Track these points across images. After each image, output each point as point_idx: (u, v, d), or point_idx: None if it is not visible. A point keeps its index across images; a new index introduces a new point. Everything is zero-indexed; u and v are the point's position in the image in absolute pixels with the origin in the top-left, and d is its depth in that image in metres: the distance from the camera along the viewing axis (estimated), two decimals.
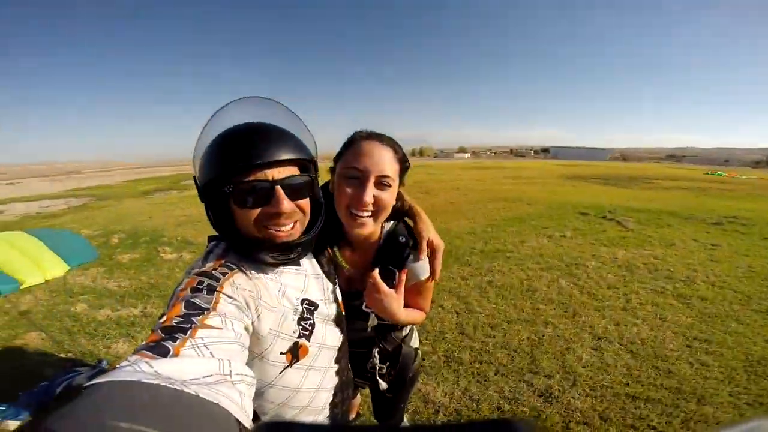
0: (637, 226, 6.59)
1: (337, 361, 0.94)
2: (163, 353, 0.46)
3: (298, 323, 0.81)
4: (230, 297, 0.65)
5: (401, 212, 1.11)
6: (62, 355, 2.91)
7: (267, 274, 0.78)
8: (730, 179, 20.22)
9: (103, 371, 2.55)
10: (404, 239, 1.05)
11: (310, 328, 0.83)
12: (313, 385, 0.87)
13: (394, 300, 0.97)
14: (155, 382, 0.39)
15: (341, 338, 0.96)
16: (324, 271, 0.95)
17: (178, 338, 0.50)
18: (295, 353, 0.80)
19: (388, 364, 1.21)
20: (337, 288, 1.00)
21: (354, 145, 0.94)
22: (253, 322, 0.70)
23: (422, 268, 1.05)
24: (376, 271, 0.95)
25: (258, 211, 0.72)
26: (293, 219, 0.76)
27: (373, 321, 1.11)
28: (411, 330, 1.30)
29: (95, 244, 5.65)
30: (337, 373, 0.95)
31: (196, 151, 0.74)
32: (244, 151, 0.70)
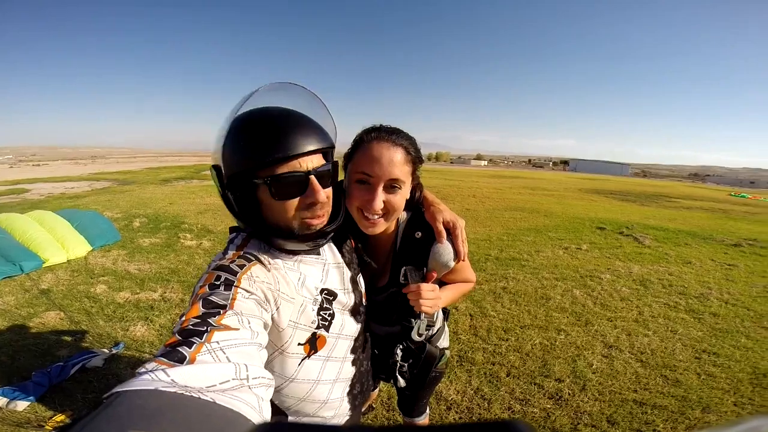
0: (654, 243, 6.59)
1: (354, 351, 0.94)
2: (179, 359, 0.47)
3: (318, 313, 0.81)
4: (248, 291, 0.64)
5: (416, 201, 1.09)
6: (79, 336, 2.97)
7: (286, 264, 0.78)
8: (754, 201, 19.73)
9: (116, 355, 2.66)
10: (420, 234, 1.03)
11: (329, 318, 0.83)
12: (331, 376, 0.87)
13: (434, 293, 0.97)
14: (173, 390, 0.40)
15: (359, 328, 0.94)
16: (345, 261, 0.94)
17: (194, 343, 0.50)
18: (313, 344, 0.81)
19: (410, 361, 1.18)
20: (360, 277, 0.99)
21: (363, 146, 0.93)
22: (272, 315, 0.71)
23: (447, 254, 1.01)
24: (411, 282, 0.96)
25: (296, 201, 0.72)
26: (326, 208, 0.77)
27: (421, 327, 1.09)
28: (441, 329, 1.28)
29: (117, 227, 5.95)
30: (354, 363, 0.94)
31: (223, 140, 0.69)
32: (281, 142, 0.68)
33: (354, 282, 0.95)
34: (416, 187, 1.06)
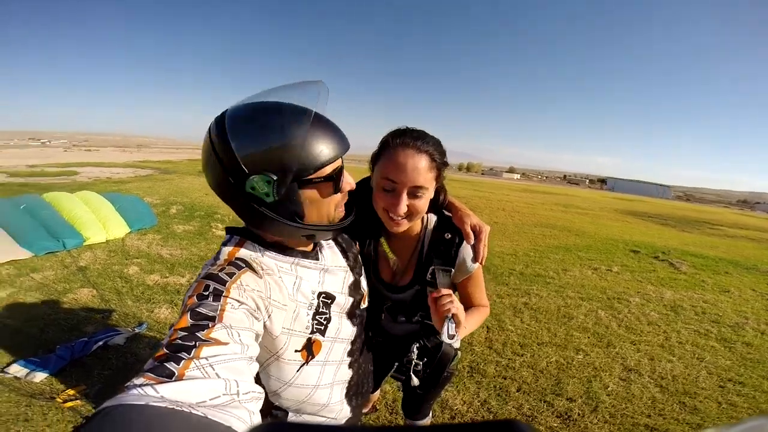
0: (691, 269, 6.27)
1: (351, 354, 0.93)
2: (168, 375, 0.46)
3: (313, 318, 0.80)
4: (238, 301, 0.63)
5: (441, 205, 1.10)
6: (107, 314, 3.09)
7: (282, 268, 0.77)
8: None
9: (136, 335, 2.76)
10: (450, 235, 1.05)
11: (324, 322, 0.82)
12: (329, 380, 0.86)
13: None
14: (164, 405, 0.39)
15: (355, 331, 0.94)
16: (349, 265, 0.94)
17: (182, 359, 0.49)
18: (309, 350, 0.80)
19: (425, 360, 1.18)
20: (363, 280, 1.00)
21: (389, 151, 0.94)
22: (264, 323, 0.69)
23: (470, 256, 1.04)
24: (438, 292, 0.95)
25: (339, 195, 0.77)
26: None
27: (451, 329, 1.10)
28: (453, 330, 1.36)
29: (155, 213, 6.24)
30: (351, 365, 0.93)
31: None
32: (341, 139, 0.72)
33: (355, 286, 0.94)
34: (440, 189, 1.08)
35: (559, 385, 2.62)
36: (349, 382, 0.93)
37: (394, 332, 1.28)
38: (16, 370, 2.27)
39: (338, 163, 0.73)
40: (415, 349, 1.17)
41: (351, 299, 0.91)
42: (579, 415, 2.34)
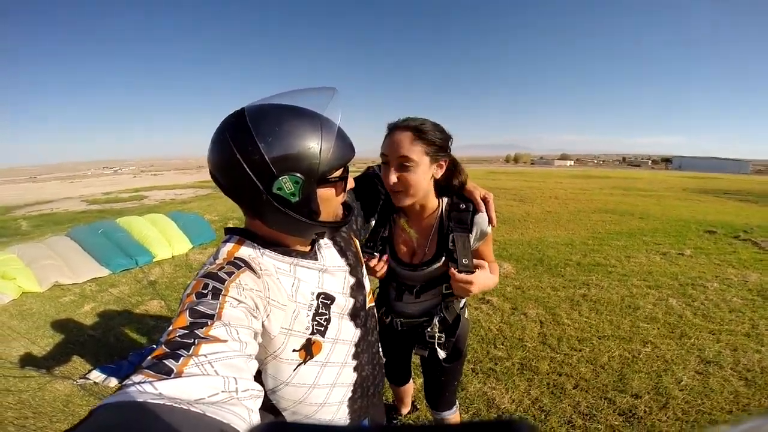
0: None
1: (355, 356, 0.92)
2: (167, 372, 0.46)
3: (313, 319, 0.80)
4: (236, 300, 0.63)
5: (457, 189, 1.23)
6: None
7: (280, 269, 0.78)
8: None
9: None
10: (464, 205, 1.18)
11: (324, 323, 0.83)
12: (329, 381, 0.86)
13: (483, 279, 1.10)
14: (162, 402, 0.39)
15: (358, 333, 0.93)
16: (349, 264, 0.94)
17: (181, 356, 0.49)
18: (308, 350, 0.80)
19: (444, 334, 1.29)
20: (366, 280, 1.02)
21: (386, 134, 1.11)
22: (263, 323, 0.70)
23: (485, 221, 1.17)
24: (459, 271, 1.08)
25: (344, 194, 0.82)
26: None
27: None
28: (465, 303, 1.39)
29: (213, 228, 6.66)
30: (356, 369, 0.92)
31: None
32: (350, 142, 0.77)
33: (357, 286, 0.95)
34: (454, 174, 1.20)
35: (622, 381, 2.43)
36: (354, 385, 0.93)
37: (411, 311, 1.34)
38: (95, 376, 2.53)
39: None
40: (437, 322, 1.27)
41: (353, 300, 0.92)
42: (645, 412, 2.15)
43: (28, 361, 2.82)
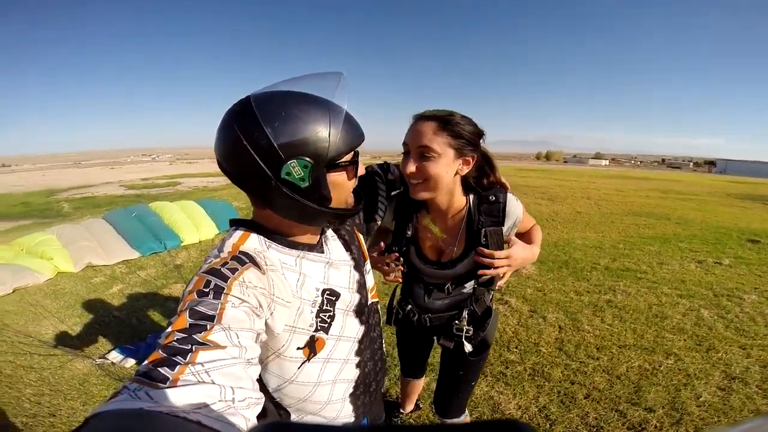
0: None
1: (358, 353, 0.91)
2: (162, 380, 0.45)
3: (317, 315, 0.79)
4: (239, 299, 0.61)
5: (488, 186, 1.18)
6: None
7: (286, 264, 0.76)
8: None
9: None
10: (494, 197, 1.13)
11: (329, 320, 0.82)
12: (330, 377, 0.85)
13: (521, 252, 1.13)
14: (157, 410, 0.39)
15: (362, 330, 0.92)
16: (353, 258, 0.93)
17: (177, 363, 0.48)
18: (312, 347, 0.80)
19: (472, 327, 1.27)
20: (369, 277, 1.00)
21: (411, 125, 1.09)
22: (266, 321, 0.69)
23: (519, 209, 1.15)
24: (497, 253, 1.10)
25: (354, 180, 0.80)
26: None
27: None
28: (493, 295, 1.35)
29: (241, 215, 6.91)
30: (358, 365, 0.92)
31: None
32: (359, 126, 0.75)
33: (361, 282, 0.93)
34: (485, 172, 1.16)
35: (638, 393, 2.31)
36: (356, 381, 0.91)
37: (438, 307, 1.32)
38: (114, 356, 2.65)
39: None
40: (466, 315, 1.25)
41: (358, 296, 0.90)
42: (656, 427, 2.04)
43: (55, 339, 2.99)
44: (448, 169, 1.05)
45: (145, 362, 0.48)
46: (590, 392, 2.32)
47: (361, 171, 0.81)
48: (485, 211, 1.13)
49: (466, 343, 1.26)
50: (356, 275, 0.91)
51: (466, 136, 1.04)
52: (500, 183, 1.18)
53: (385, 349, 1.09)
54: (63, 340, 2.98)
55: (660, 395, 2.30)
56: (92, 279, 4.27)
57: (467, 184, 1.15)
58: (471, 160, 1.08)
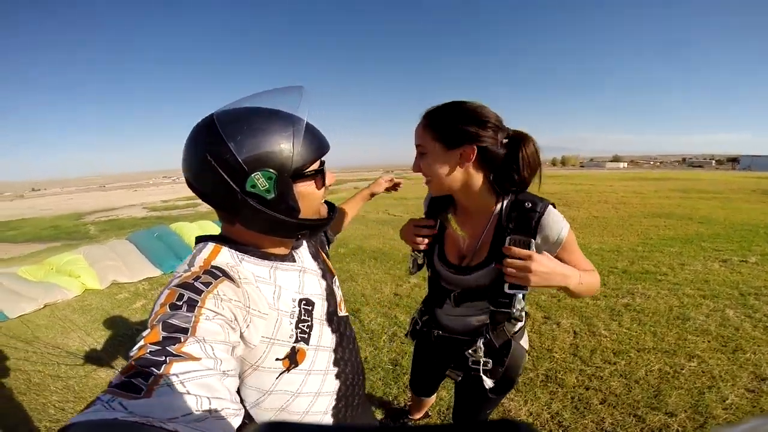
0: None
1: (336, 363, 0.90)
2: (136, 391, 0.44)
3: (296, 326, 0.79)
4: (213, 312, 0.60)
5: (520, 184, 1.03)
6: None
7: (259, 276, 0.76)
8: None
9: None
10: (530, 204, 1.00)
11: (308, 330, 0.81)
12: (313, 389, 0.84)
13: (550, 264, 0.92)
14: (133, 420, 0.38)
15: (335, 339, 0.91)
16: (320, 268, 0.93)
17: (151, 375, 0.46)
18: (293, 359, 0.78)
19: (492, 360, 1.11)
20: (336, 286, 0.98)
21: None
22: (242, 333, 0.68)
23: (557, 227, 0.98)
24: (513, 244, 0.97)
25: (323, 190, 0.80)
26: None
27: (520, 302, 1.01)
28: (523, 328, 1.19)
29: None
30: (338, 376, 0.90)
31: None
32: (323, 136, 0.77)
33: (329, 293, 0.93)
34: (513, 168, 0.99)
35: (658, 398, 2.22)
36: (338, 394, 0.90)
37: (454, 326, 1.23)
38: None
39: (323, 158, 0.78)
40: (481, 345, 1.10)
41: (327, 304, 0.90)
42: (678, 431, 1.98)
43: (81, 351, 3.16)
44: (441, 164, 1.00)
45: (118, 374, 0.47)
46: (606, 397, 2.25)
47: (331, 180, 0.81)
48: (515, 219, 1.01)
49: (485, 377, 1.12)
50: (324, 283, 0.91)
51: (450, 128, 0.97)
52: (528, 182, 1.02)
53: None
54: (88, 351, 3.15)
55: (682, 398, 2.22)
56: (117, 295, 4.47)
57: (500, 183, 1.02)
58: (468, 152, 0.96)
